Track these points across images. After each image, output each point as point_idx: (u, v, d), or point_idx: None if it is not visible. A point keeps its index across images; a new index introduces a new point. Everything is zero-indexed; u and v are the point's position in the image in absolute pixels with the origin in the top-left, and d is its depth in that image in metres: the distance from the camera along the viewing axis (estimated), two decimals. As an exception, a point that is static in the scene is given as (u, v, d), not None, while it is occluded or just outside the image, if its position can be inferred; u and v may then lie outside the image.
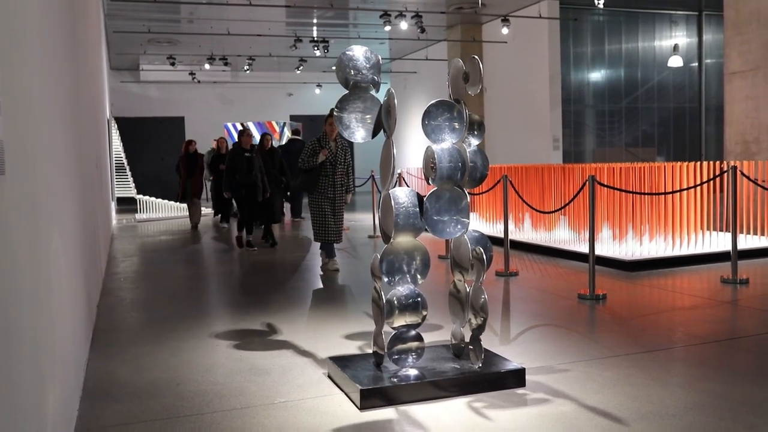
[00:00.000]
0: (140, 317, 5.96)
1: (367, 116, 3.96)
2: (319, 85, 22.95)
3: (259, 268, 8.63)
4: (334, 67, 4.02)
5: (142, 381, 4.10)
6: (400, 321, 3.86)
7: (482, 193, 10.26)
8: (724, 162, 8.52)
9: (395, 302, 3.85)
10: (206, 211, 15.77)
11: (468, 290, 4.02)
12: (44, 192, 2.77)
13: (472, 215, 9.32)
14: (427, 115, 3.93)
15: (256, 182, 9.93)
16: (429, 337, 4.60)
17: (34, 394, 2.27)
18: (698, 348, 4.54)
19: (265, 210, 10.63)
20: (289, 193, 13.40)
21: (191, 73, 20.38)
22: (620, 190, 7.71)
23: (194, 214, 13.58)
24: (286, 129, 20.96)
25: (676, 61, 15.65)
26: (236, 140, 10.56)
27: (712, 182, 8.06)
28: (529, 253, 9.05)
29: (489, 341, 4.61)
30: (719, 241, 8.25)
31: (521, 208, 10.12)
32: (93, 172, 6.76)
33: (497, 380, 3.80)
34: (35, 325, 2.38)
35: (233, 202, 11.90)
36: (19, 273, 2.13)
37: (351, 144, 7.39)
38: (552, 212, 8.85)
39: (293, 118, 23.26)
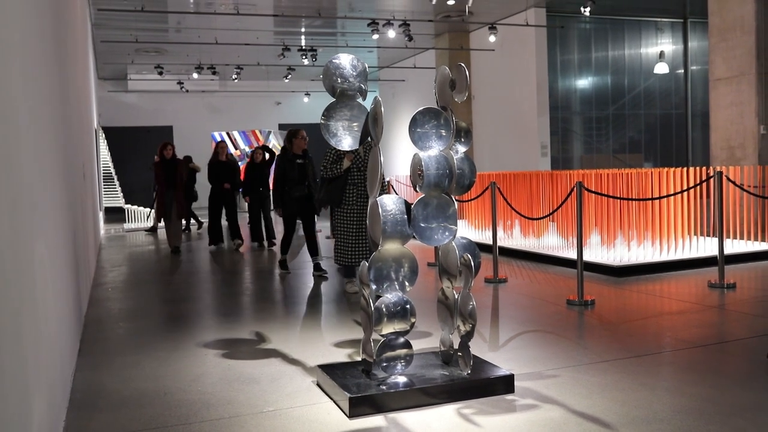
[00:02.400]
0: (128, 327, 5.93)
1: (354, 124, 3.97)
2: (307, 94, 22.97)
3: (246, 278, 8.60)
4: (321, 76, 4.03)
5: (129, 391, 4.07)
6: (388, 328, 3.86)
7: (471, 200, 10.29)
8: (710, 167, 8.58)
9: (384, 310, 3.85)
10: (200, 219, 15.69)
11: (456, 297, 4.03)
12: (29, 201, 2.76)
13: (460, 222, 9.35)
14: (414, 122, 3.94)
15: (311, 193, 8.08)
16: (418, 344, 4.59)
17: (19, 405, 2.25)
18: (686, 352, 4.56)
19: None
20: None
21: (179, 83, 20.35)
22: (607, 196, 7.75)
23: (174, 235, 11.32)
24: (271, 137, 20.94)
25: (662, 68, 15.77)
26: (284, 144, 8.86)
27: (698, 188, 8.11)
28: (518, 260, 9.07)
29: (478, 348, 4.61)
30: (706, 246, 8.30)
31: (510, 215, 10.15)
32: (80, 181, 6.73)
33: (486, 387, 3.80)
34: (20, 334, 2.36)
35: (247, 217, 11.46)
36: (2, 282, 2.11)
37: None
38: (540, 218, 8.88)
39: (282, 126, 23.27)
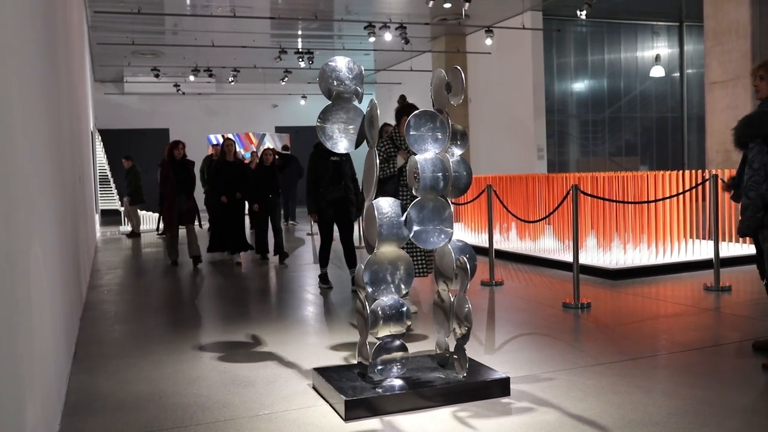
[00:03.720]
0: (123, 330, 5.91)
1: (350, 127, 3.97)
2: (304, 97, 22.96)
3: (243, 281, 8.59)
4: (318, 78, 4.03)
5: (124, 394, 4.06)
6: (384, 331, 3.86)
7: (467, 203, 10.29)
8: (706, 171, 8.60)
9: (379, 312, 3.85)
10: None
11: (452, 300, 4.03)
12: (24, 203, 2.75)
13: (456, 225, 9.32)
14: (411, 125, 3.94)
15: (348, 196, 7.16)
16: (414, 347, 4.59)
17: (13, 408, 2.25)
18: (681, 355, 4.56)
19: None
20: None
21: (176, 85, 20.33)
22: (603, 199, 7.76)
23: (191, 244, 9.82)
24: (266, 140, 20.93)
25: (658, 72, 15.82)
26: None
27: (694, 191, 8.13)
28: (515, 263, 9.07)
29: (474, 350, 4.61)
30: (702, 249, 8.31)
31: (506, 218, 10.16)
32: (76, 183, 6.71)
33: (482, 389, 3.80)
34: (14, 337, 2.35)
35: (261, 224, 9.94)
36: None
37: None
38: (536, 221, 8.89)
39: (278, 129, 23.26)
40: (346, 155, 7.17)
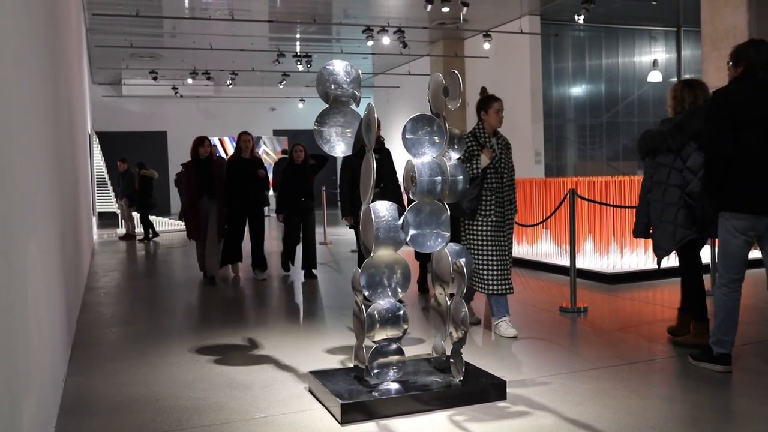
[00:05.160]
0: (120, 332, 5.91)
1: (347, 130, 3.97)
2: (302, 100, 22.97)
3: (240, 285, 8.58)
4: (315, 82, 4.04)
5: (120, 396, 4.05)
6: (381, 335, 3.86)
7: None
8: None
9: (376, 316, 3.85)
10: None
11: (449, 303, 4.03)
12: (22, 205, 2.75)
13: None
14: (407, 129, 3.95)
15: (388, 198, 6.40)
16: (410, 351, 4.59)
17: (8, 409, 2.24)
18: (678, 360, 4.57)
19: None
20: None
21: (174, 88, 20.33)
22: (601, 203, 7.77)
23: (211, 260, 8.38)
24: (262, 143, 20.92)
25: (655, 76, 15.84)
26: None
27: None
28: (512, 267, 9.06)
29: (470, 354, 4.61)
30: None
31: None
32: (73, 185, 6.71)
33: (478, 393, 3.80)
34: (10, 339, 2.35)
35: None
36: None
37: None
38: (534, 225, 8.89)
39: (276, 132, 23.26)
40: (385, 152, 6.75)
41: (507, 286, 5.23)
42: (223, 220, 8.26)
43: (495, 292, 5.19)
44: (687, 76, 16.67)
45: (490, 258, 5.16)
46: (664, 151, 4.71)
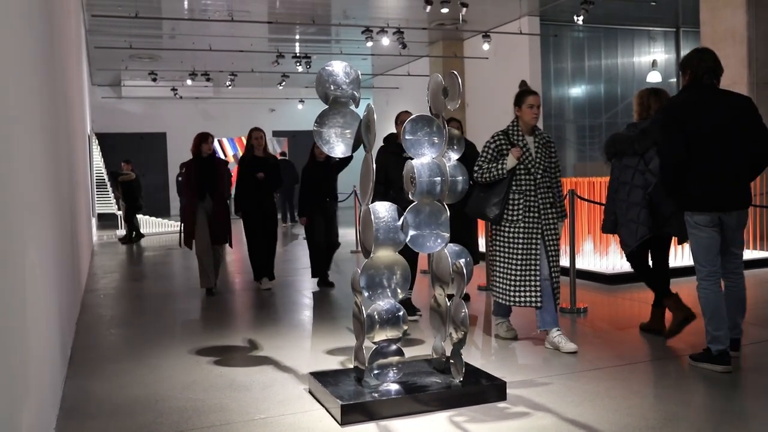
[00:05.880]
0: (119, 334, 5.90)
1: (347, 131, 3.97)
2: (301, 101, 22.98)
3: (240, 286, 8.58)
4: (315, 83, 4.04)
5: (120, 398, 4.05)
6: (380, 336, 3.86)
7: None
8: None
9: (376, 317, 3.84)
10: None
11: (449, 304, 4.02)
12: (21, 206, 2.75)
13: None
14: (407, 129, 3.95)
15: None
16: (410, 352, 4.59)
17: (7, 412, 2.24)
18: (678, 361, 4.56)
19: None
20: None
21: (173, 89, 20.33)
22: (600, 203, 7.76)
23: (207, 269, 7.52)
24: None
25: (654, 77, 15.84)
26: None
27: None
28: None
29: (470, 355, 4.61)
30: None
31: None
32: (73, 187, 6.71)
33: (478, 394, 3.80)
34: (8, 341, 2.35)
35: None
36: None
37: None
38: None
39: (276, 133, 23.26)
40: (468, 147, 6.00)
41: (528, 299, 4.80)
42: (226, 224, 7.58)
43: (514, 302, 4.85)
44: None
45: (514, 266, 4.80)
46: (630, 154, 4.98)
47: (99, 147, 17.98)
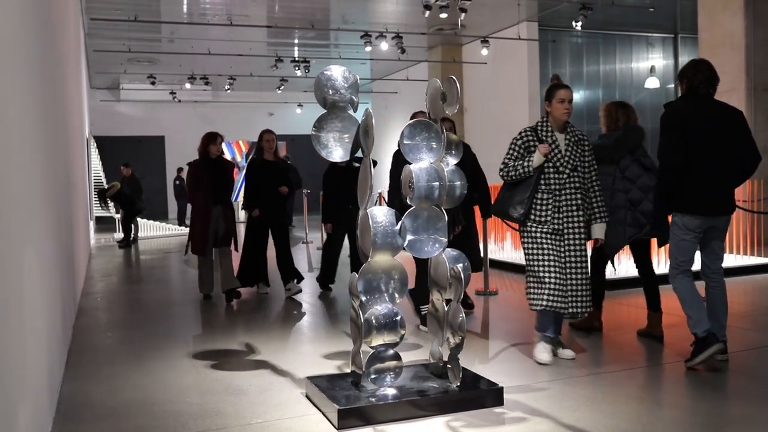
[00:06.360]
0: (116, 337, 5.89)
1: (345, 135, 3.98)
2: (300, 105, 23.01)
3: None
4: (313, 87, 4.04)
5: (116, 402, 4.04)
6: (378, 340, 3.85)
7: (462, 212, 10.28)
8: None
9: (373, 321, 3.84)
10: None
11: (446, 309, 4.02)
12: (18, 208, 2.75)
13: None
14: (405, 134, 3.95)
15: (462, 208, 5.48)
16: (407, 356, 4.58)
17: (4, 415, 2.23)
18: (675, 366, 4.56)
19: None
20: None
21: (172, 93, 20.35)
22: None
23: (225, 273, 7.24)
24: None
25: (653, 83, 15.88)
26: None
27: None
28: (510, 272, 9.07)
29: (467, 360, 4.60)
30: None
31: (501, 228, 10.17)
32: (71, 190, 6.70)
33: (475, 399, 3.79)
34: (5, 343, 2.34)
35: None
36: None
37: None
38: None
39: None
40: (465, 150, 5.39)
41: (553, 302, 4.47)
42: (233, 231, 7.28)
43: (546, 306, 4.50)
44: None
45: (542, 269, 4.48)
46: (608, 162, 5.18)
47: (97, 150, 17.98)
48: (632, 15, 14.64)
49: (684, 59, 16.94)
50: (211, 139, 7.25)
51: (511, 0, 12.98)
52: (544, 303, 4.49)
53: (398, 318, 3.89)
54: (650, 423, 3.50)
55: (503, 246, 10.22)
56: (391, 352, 3.88)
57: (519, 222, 4.60)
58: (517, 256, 9.66)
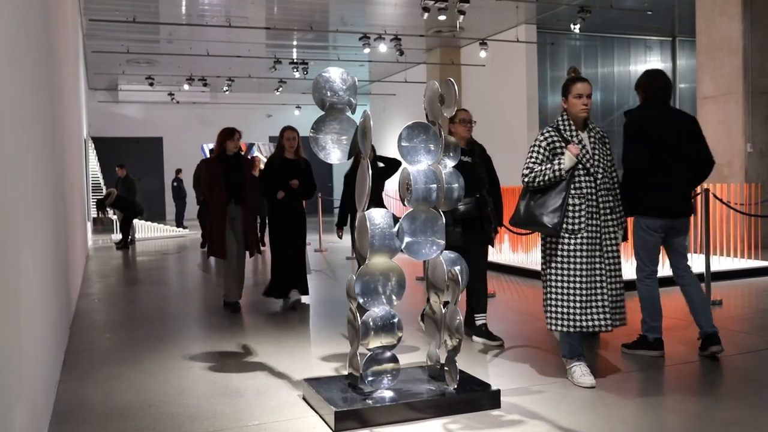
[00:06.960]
0: (113, 339, 5.89)
1: (343, 137, 3.98)
2: (298, 107, 23.00)
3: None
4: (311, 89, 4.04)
5: (113, 403, 4.04)
6: (375, 342, 3.85)
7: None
8: (698, 185, 8.64)
9: (371, 323, 3.84)
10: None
11: (444, 311, 4.02)
12: (14, 210, 2.74)
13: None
14: (403, 136, 3.96)
15: (482, 211, 5.52)
16: (405, 359, 4.58)
17: (0, 416, 2.23)
18: (672, 369, 4.57)
19: None
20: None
21: (170, 94, 20.34)
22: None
23: (236, 279, 6.90)
24: (254, 149, 20.93)
25: (650, 86, 15.89)
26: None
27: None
28: (507, 275, 9.08)
29: (465, 363, 4.60)
30: (693, 263, 8.31)
31: (499, 230, 10.15)
32: (68, 191, 6.69)
33: (472, 402, 3.79)
34: (2, 345, 2.34)
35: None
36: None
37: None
38: (529, 234, 8.90)
39: (272, 139, 23.25)
40: (482, 153, 5.60)
41: (596, 321, 4.10)
42: (252, 232, 6.94)
43: (572, 327, 4.11)
44: (680, 85, 16.75)
45: (577, 284, 4.09)
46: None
47: (95, 151, 17.97)
48: (630, 18, 14.67)
49: (682, 62, 16.98)
50: (228, 136, 6.79)
51: (509, 3, 12.99)
52: (572, 324, 4.11)
53: (395, 320, 3.89)
54: (647, 426, 3.50)
55: (501, 249, 10.23)
56: (388, 354, 3.88)
57: (555, 232, 4.10)
58: (514, 259, 9.67)
